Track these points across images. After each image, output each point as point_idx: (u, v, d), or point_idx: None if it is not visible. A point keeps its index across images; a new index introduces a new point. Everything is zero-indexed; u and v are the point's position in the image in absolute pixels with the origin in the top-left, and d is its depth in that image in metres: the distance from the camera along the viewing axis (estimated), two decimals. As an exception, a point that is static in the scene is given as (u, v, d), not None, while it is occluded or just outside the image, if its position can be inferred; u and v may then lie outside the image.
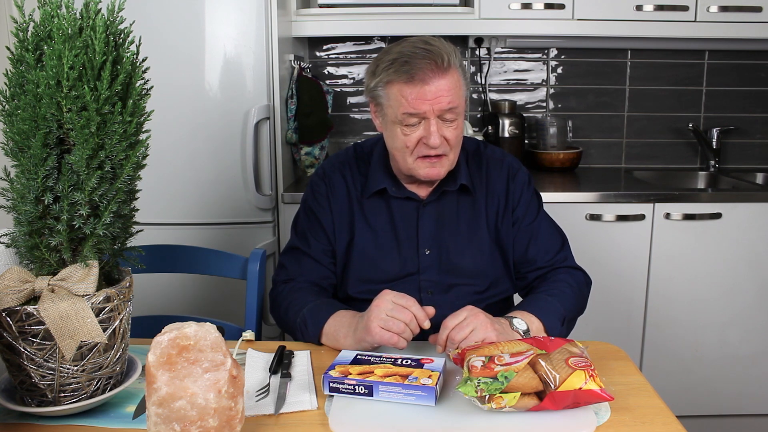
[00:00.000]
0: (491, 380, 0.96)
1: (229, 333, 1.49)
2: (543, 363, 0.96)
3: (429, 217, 1.37)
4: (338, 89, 2.76)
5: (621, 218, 2.24)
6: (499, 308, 1.38)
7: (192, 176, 2.18)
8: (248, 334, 1.26)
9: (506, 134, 2.62)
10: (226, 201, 2.20)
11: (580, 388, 0.94)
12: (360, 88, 2.77)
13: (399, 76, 1.24)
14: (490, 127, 2.65)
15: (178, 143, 2.16)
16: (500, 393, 0.94)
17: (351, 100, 2.79)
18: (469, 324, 1.10)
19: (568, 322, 1.29)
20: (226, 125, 2.16)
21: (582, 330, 2.29)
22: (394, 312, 1.12)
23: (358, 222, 1.38)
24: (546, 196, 2.18)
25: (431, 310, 1.13)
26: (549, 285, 1.32)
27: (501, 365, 0.98)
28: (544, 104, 2.80)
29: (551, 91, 2.79)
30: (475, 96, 2.79)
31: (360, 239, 1.38)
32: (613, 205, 2.24)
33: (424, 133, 1.26)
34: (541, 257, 1.37)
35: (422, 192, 1.39)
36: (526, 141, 2.76)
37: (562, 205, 2.23)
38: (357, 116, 2.80)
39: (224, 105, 2.16)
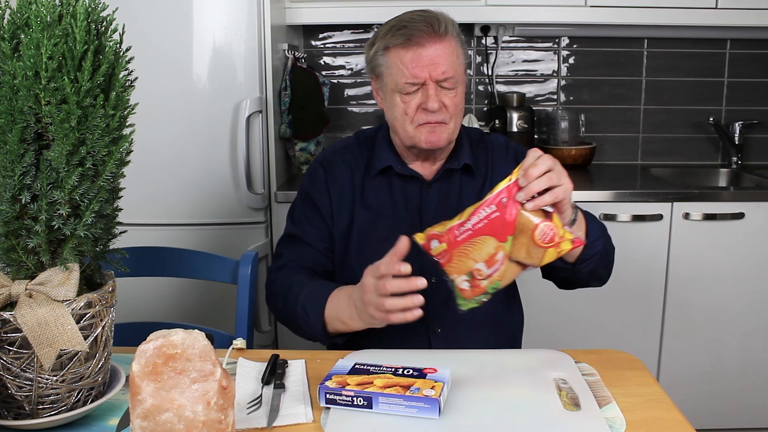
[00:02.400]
0: (484, 294, 1.11)
1: (219, 341, 1.49)
2: (516, 258, 1.08)
3: (432, 199, 1.41)
4: (335, 81, 2.76)
5: (637, 218, 2.24)
6: (504, 290, 1.39)
7: (179, 174, 2.18)
8: (239, 342, 1.26)
9: (515, 128, 2.62)
10: (216, 200, 2.20)
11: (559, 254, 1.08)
12: (359, 80, 2.77)
13: (396, 40, 1.31)
14: (497, 121, 2.65)
15: (164, 138, 2.16)
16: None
17: (349, 92, 2.79)
18: (548, 161, 1.09)
19: (604, 241, 1.30)
20: (216, 119, 2.16)
21: (595, 337, 2.29)
22: (380, 290, 1.13)
23: (359, 205, 1.42)
24: (557, 195, 2.18)
25: (407, 267, 1.13)
26: None
27: (484, 278, 1.09)
28: (555, 97, 2.80)
29: (563, 82, 2.79)
30: (481, 88, 2.79)
31: (359, 221, 1.41)
32: (629, 205, 2.24)
33: (422, 99, 1.32)
34: None
35: (426, 171, 1.43)
36: (535, 136, 2.76)
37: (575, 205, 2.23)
38: (355, 109, 2.80)
39: (213, 97, 2.16)
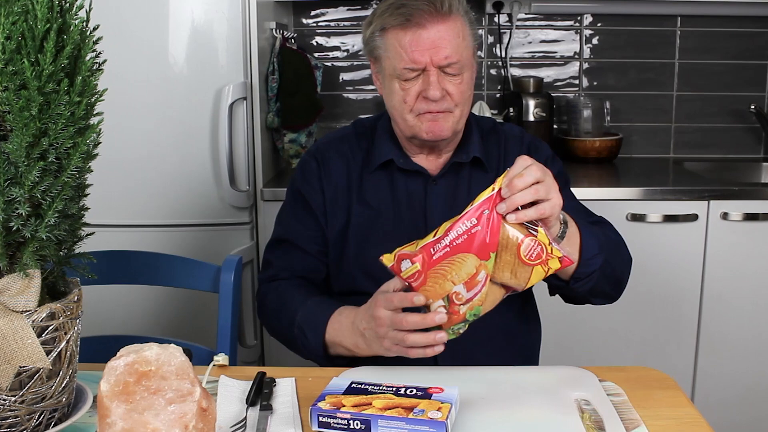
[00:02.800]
0: (463, 323, 1.12)
1: (198, 357, 1.49)
2: (500, 279, 1.09)
3: (439, 196, 1.41)
4: (329, 64, 2.77)
5: (669, 219, 2.24)
6: (517, 297, 1.39)
7: (153, 168, 2.18)
8: (221, 358, 1.26)
9: (531, 117, 2.62)
10: (195, 198, 2.20)
11: (546, 274, 1.10)
12: (356, 62, 2.77)
13: (394, 20, 1.31)
14: (511, 109, 2.65)
15: (136, 129, 2.16)
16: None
17: (344, 76, 2.79)
18: (537, 172, 1.09)
19: (605, 257, 1.29)
20: (195, 107, 2.16)
21: (622, 352, 2.29)
22: (399, 323, 1.15)
23: (356, 202, 1.42)
24: (578, 192, 2.16)
25: (419, 297, 1.14)
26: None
27: (463, 303, 1.10)
28: (577, 82, 2.80)
29: (585, 65, 2.79)
30: (493, 72, 2.79)
31: (357, 221, 1.41)
32: (660, 204, 2.24)
33: (423, 86, 1.32)
34: None
35: (431, 165, 1.43)
36: (554, 126, 2.76)
37: (598, 203, 2.22)
38: (352, 96, 2.80)
39: (192, 83, 2.16)
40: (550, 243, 1.09)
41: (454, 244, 1.08)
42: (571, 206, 1.44)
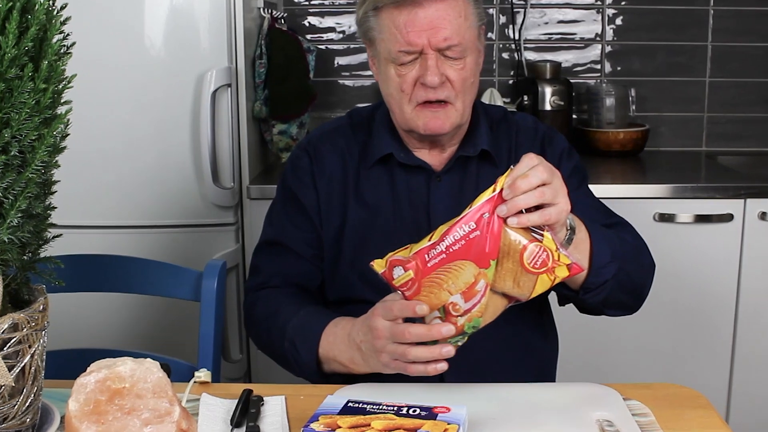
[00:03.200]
0: (461, 336, 1.13)
1: (177, 372, 1.48)
2: (501, 288, 1.10)
3: (443, 194, 1.41)
4: (323, 47, 2.76)
5: (701, 219, 2.24)
6: (531, 305, 1.39)
7: (127, 163, 2.18)
8: (203, 374, 1.26)
9: (547, 106, 2.62)
10: (173, 196, 2.20)
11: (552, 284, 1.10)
12: (352, 45, 2.77)
13: None
14: (525, 97, 2.65)
15: (108, 119, 2.16)
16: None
17: (340, 60, 2.79)
18: (543, 174, 1.09)
19: (620, 265, 1.29)
20: (173, 95, 2.16)
21: (649, 367, 2.29)
22: (397, 336, 1.14)
23: (353, 201, 1.43)
24: (600, 189, 2.17)
25: (423, 307, 1.13)
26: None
27: (460, 314, 1.11)
28: (599, 67, 2.80)
29: (608, 48, 2.79)
30: (506, 56, 2.79)
31: (354, 222, 1.42)
32: (691, 202, 2.24)
33: (420, 71, 1.32)
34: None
35: (434, 160, 1.43)
36: (574, 116, 2.76)
37: (623, 202, 2.22)
38: (348, 82, 2.80)
39: (170, 68, 2.16)
40: (557, 249, 1.09)
41: (451, 250, 1.08)
42: (589, 205, 1.44)
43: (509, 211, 1.07)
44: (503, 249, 1.08)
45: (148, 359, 0.91)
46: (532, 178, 1.08)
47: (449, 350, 1.12)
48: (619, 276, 1.28)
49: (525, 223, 1.08)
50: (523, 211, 1.08)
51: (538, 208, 1.08)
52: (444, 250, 1.09)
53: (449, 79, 1.33)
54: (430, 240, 1.10)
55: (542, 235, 1.09)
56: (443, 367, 1.14)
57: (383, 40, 1.34)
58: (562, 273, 1.09)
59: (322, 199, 1.43)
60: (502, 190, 1.08)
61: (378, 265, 1.13)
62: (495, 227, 1.08)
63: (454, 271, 1.09)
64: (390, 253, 1.12)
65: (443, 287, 1.09)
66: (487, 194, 1.09)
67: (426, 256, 1.09)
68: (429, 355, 1.13)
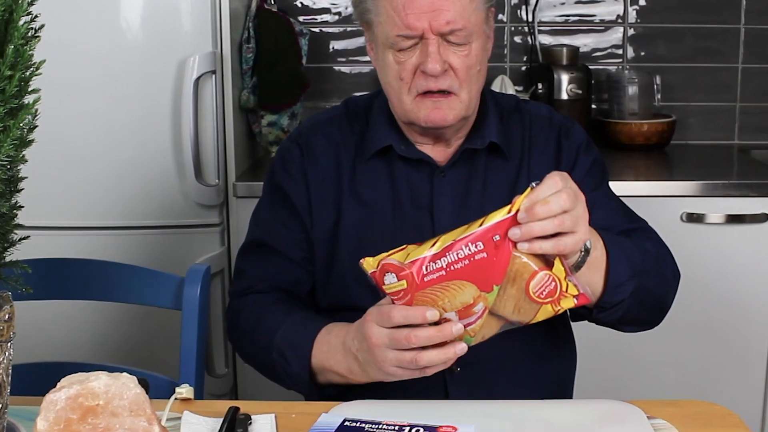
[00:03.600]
0: None
1: (157, 388, 1.48)
2: (500, 312, 1.11)
3: (448, 190, 1.41)
4: (316, 30, 2.76)
5: (733, 219, 2.24)
6: (550, 318, 1.40)
7: (102, 158, 2.18)
8: (184, 391, 1.26)
9: (564, 95, 2.62)
10: (152, 194, 2.20)
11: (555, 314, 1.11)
12: (349, 28, 2.77)
13: None
14: (540, 85, 2.65)
15: (81, 110, 2.16)
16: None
17: (335, 45, 2.79)
18: (566, 202, 1.08)
19: (640, 280, 1.29)
20: (152, 83, 2.16)
21: (674, 383, 2.28)
22: (400, 344, 1.13)
23: (348, 198, 1.42)
24: (622, 186, 2.17)
25: (433, 313, 1.12)
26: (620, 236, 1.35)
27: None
28: (620, 52, 2.80)
29: (630, 32, 2.79)
30: (518, 40, 2.79)
31: (349, 221, 1.42)
32: (722, 201, 2.24)
33: (420, 57, 1.32)
34: (611, 226, 1.40)
35: (438, 154, 1.43)
36: (593, 106, 2.76)
37: (647, 201, 2.22)
38: (344, 69, 2.80)
39: (149, 53, 2.16)
40: (566, 277, 1.09)
41: (452, 268, 1.08)
42: (609, 207, 1.44)
43: (522, 236, 1.07)
44: (509, 274, 1.08)
45: (125, 374, 0.91)
46: (554, 204, 1.07)
47: (462, 348, 1.11)
48: (637, 293, 1.28)
49: (536, 251, 1.08)
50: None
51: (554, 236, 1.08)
52: (444, 266, 1.08)
53: (452, 66, 1.32)
54: (431, 247, 1.09)
55: (552, 261, 1.09)
56: (455, 356, 1.13)
57: (380, 24, 1.34)
58: (567, 304, 1.10)
59: (314, 196, 1.43)
60: (518, 211, 1.07)
61: (368, 264, 1.12)
62: (504, 253, 1.07)
63: (452, 290, 1.09)
64: (384, 254, 1.12)
65: (438, 304, 1.09)
66: (500, 214, 1.08)
67: (424, 268, 1.09)
68: (444, 357, 1.12)
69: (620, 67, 2.79)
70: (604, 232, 1.26)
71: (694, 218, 2.24)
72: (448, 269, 1.08)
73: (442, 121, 1.35)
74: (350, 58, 2.79)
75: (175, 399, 1.25)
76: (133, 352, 2.19)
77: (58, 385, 0.89)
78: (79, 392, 0.87)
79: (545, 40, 2.79)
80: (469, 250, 1.08)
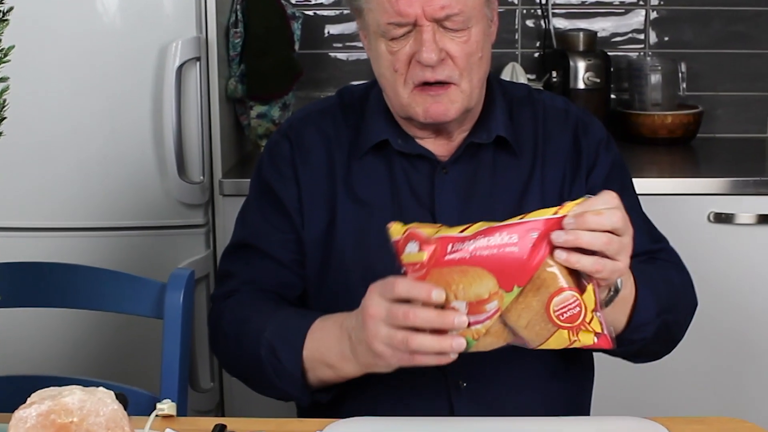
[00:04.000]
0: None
1: (136, 404, 1.48)
2: (511, 321, 1.09)
3: (450, 188, 1.40)
4: (310, 13, 2.76)
5: (765, 219, 2.24)
6: None
7: (76, 153, 2.18)
8: (166, 407, 1.27)
9: (580, 84, 2.62)
10: (131, 193, 2.20)
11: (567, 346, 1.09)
12: (345, 11, 2.77)
13: None
14: (554, 73, 2.65)
15: (53, 101, 2.16)
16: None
17: (331, 29, 2.79)
18: (619, 222, 1.09)
19: (664, 318, 1.30)
20: (131, 71, 2.17)
21: (702, 398, 2.28)
22: (395, 318, 1.12)
23: (342, 196, 1.42)
24: (643, 184, 2.17)
25: (440, 292, 1.11)
26: (646, 264, 1.36)
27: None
28: (642, 37, 2.80)
29: (653, 15, 2.79)
30: (530, 24, 2.79)
31: (344, 221, 1.41)
32: (753, 199, 2.24)
33: (415, 46, 1.31)
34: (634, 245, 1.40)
35: (440, 148, 1.43)
36: (612, 96, 2.76)
37: (671, 199, 2.23)
38: (341, 55, 2.80)
39: (127, 39, 2.16)
40: (594, 310, 1.08)
41: (477, 254, 1.07)
42: (633, 222, 1.43)
43: (565, 242, 1.06)
44: (535, 281, 1.07)
45: (101, 388, 0.91)
46: (606, 219, 1.07)
47: (461, 343, 1.09)
48: (658, 330, 1.30)
49: (574, 264, 1.07)
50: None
51: (593, 253, 1.08)
52: (470, 250, 1.07)
53: (450, 54, 1.31)
54: (461, 231, 1.09)
55: (585, 287, 1.08)
56: (453, 357, 1.11)
57: (370, 11, 1.33)
58: (585, 339, 1.09)
59: (306, 194, 1.43)
60: (564, 216, 1.07)
61: (395, 230, 1.12)
62: (539, 254, 1.06)
63: (470, 277, 1.08)
64: (415, 224, 1.11)
65: (451, 288, 1.08)
66: (546, 213, 1.07)
67: (449, 246, 1.08)
68: (438, 346, 1.10)
69: (642, 53, 2.79)
70: (635, 264, 1.25)
71: (723, 218, 2.24)
72: (472, 254, 1.07)
73: (443, 116, 1.34)
74: (347, 44, 2.79)
75: (156, 416, 1.25)
76: (111, 365, 2.19)
77: (28, 400, 0.89)
78: (51, 408, 0.87)
79: (560, 23, 2.79)
80: (501, 239, 1.06)
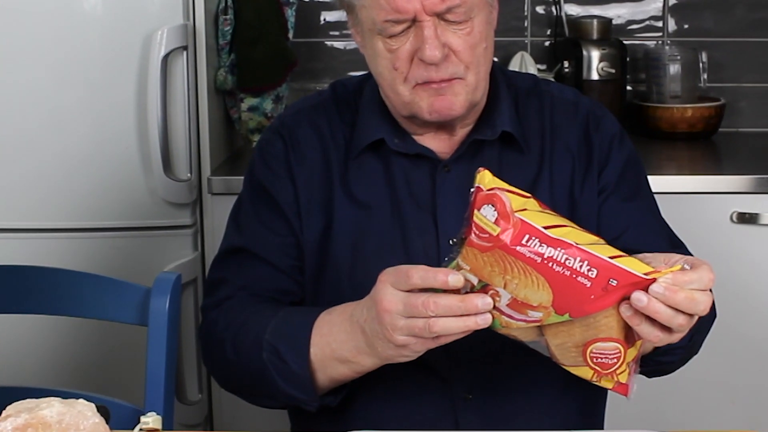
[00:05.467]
0: None
1: (119, 417, 1.49)
2: (547, 336, 1.11)
3: (453, 188, 1.39)
4: (305, -1, 2.77)
5: (791, 220, 2.25)
6: None
7: (54, 148, 2.18)
8: (151, 420, 1.27)
9: (594, 75, 2.62)
10: (113, 191, 2.20)
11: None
12: (343, -3, 2.77)
13: None
14: (566, 64, 2.65)
15: (29, 93, 2.17)
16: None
17: (327, 16, 2.79)
18: (706, 308, 1.09)
19: (692, 339, 1.31)
20: (114, 61, 2.17)
21: (724, 410, 2.28)
22: (414, 310, 1.12)
23: (340, 197, 1.41)
24: (662, 182, 2.18)
25: (457, 277, 1.11)
26: None
27: (494, 309, 1.08)
28: (660, 24, 2.80)
29: (672, 1, 2.79)
30: (541, 11, 2.79)
31: (343, 222, 1.41)
32: (779, 198, 2.25)
33: (415, 43, 1.30)
34: (650, 250, 1.40)
35: (441, 146, 1.42)
36: (628, 87, 2.76)
37: (692, 198, 2.23)
38: (337, 44, 2.80)
39: (109, 27, 2.16)
40: (628, 365, 1.10)
41: (549, 265, 1.04)
42: (649, 226, 1.44)
43: (644, 309, 1.05)
44: (588, 318, 1.07)
45: (81, 400, 0.92)
46: (695, 305, 1.07)
47: (486, 319, 1.09)
48: (685, 352, 1.32)
49: (635, 326, 1.07)
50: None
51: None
52: (545, 256, 1.04)
53: (453, 49, 1.31)
54: (550, 228, 1.06)
55: (635, 342, 1.09)
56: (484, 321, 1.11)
57: (364, 7, 1.32)
58: (606, 383, 1.11)
59: (302, 195, 1.42)
60: (654, 279, 1.05)
61: (485, 178, 1.08)
62: (607, 300, 1.05)
63: (529, 279, 1.06)
64: (504, 183, 1.08)
65: (504, 277, 1.06)
66: (638, 267, 1.05)
67: (525, 237, 1.04)
68: (462, 327, 1.10)
69: (660, 42, 2.79)
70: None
71: (746, 219, 2.24)
72: (544, 261, 1.04)
73: (449, 111, 1.34)
74: (344, 32, 2.78)
75: (140, 430, 1.26)
76: (92, 375, 2.19)
77: (4, 413, 0.89)
78: (28, 422, 0.88)
79: (572, 10, 2.79)
80: (579, 266, 1.04)
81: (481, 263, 1.06)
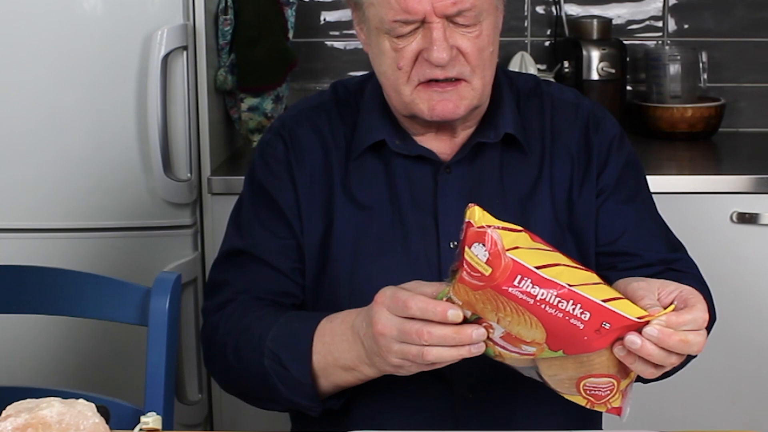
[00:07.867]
0: None
1: (119, 417, 1.49)
2: (542, 367, 1.11)
3: (454, 190, 1.40)
4: (305, -2, 2.77)
5: (792, 220, 2.25)
6: None
7: (53, 148, 2.18)
8: (151, 420, 1.27)
9: (594, 75, 2.62)
10: (113, 191, 2.20)
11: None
12: (343, -3, 2.78)
13: None
14: (566, 63, 2.65)
15: (28, 93, 2.16)
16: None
17: (327, 16, 2.79)
18: (700, 348, 1.10)
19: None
20: (114, 61, 2.17)
21: (726, 412, 2.28)
22: (408, 337, 1.12)
23: (341, 199, 1.41)
24: (662, 182, 2.18)
25: (456, 312, 1.11)
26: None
27: (488, 339, 1.09)
28: (660, 24, 2.80)
29: (672, 1, 2.79)
30: (541, 11, 2.79)
31: (343, 225, 1.40)
32: (779, 198, 2.24)
33: (423, 44, 1.30)
34: (648, 253, 1.40)
35: (443, 147, 1.42)
36: (628, 87, 2.76)
37: (692, 198, 2.23)
38: (338, 44, 2.80)
39: (109, 27, 2.16)
40: (621, 392, 1.12)
41: (541, 306, 1.04)
42: (647, 228, 1.44)
43: (638, 351, 1.06)
44: (582, 357, 1.08)
45: (81, 400, 0.92)
46: (688, 347, 1.08)
47: (479, 347, 1.10)
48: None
49: (629, 364, 1.08)
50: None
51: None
52: (537, 298, 1.03)
53: (461, 51, 1.31)
54: (542, 268, 1.04)
55: (629, 374, 1.11)
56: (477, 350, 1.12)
57: (372, 5, 1.32)
58: (600, 408, 1.13)
59: (303, 197, 1.42)
60: (647, 323, 1.06)
61: (475, 215, 1.06)
62: (600, 342, 1.06)
63: (521, 318, 1.06)
64: (495, 220, 1.06)
65: (497, 314, 1.06)
66: (631, 310, 1.06)
67: (517, 278, 1.03)
68: (455, 356, 1.11)
69: (660, 42, 2.79)
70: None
71: (746, 219, 2.24)
72: (537, 303, 1.03)
73: (452, 113, 1.33)
74: (344, 32, 2.79)
75: (140, 430, 1.26)
76: (92, 375, 2.19)
77: (4, 413, 0.89)
78: (28, 422, 0.88)
79: (572, 10, 2.79)
80: (572, 309, 1.04)
81: (473, 299, 1.07)
